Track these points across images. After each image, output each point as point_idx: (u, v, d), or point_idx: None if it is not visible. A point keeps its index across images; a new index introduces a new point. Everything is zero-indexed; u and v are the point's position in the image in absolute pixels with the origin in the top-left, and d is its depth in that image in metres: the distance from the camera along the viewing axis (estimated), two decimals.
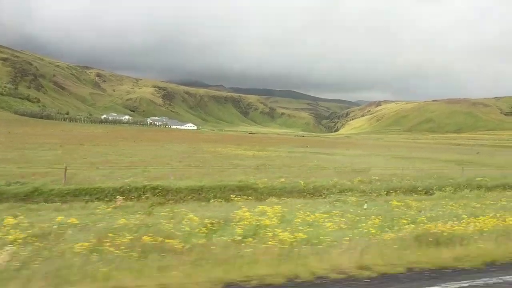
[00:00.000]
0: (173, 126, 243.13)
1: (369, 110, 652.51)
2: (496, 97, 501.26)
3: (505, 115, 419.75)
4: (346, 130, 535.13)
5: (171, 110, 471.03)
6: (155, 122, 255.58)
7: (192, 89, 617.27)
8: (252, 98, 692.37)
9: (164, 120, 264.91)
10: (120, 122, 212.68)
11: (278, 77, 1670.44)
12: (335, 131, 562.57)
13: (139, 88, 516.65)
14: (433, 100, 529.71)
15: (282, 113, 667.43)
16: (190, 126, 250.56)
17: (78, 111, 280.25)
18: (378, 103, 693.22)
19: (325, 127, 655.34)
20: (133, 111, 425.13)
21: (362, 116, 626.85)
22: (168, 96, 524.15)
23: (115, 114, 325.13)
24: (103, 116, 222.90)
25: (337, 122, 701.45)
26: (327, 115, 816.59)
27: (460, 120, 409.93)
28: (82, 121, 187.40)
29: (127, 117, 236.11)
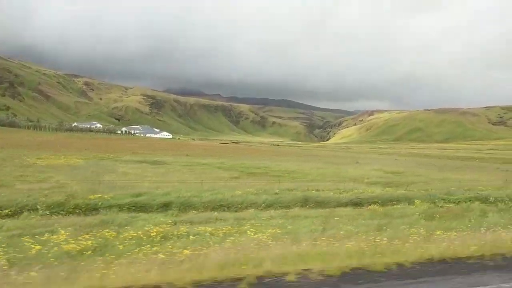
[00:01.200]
0: (148, 135, 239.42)
1: (362, 120, 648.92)
2: (487, 107, 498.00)
3: (493, 124, 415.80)
4: (336, 139, 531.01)
5: (157, 119, 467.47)
6: (131, 131, 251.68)
7: (182, 98, 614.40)
8: (243, 107, 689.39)
9: (140, 128, 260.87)
10: (91, 130, 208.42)
11: (275, 86, 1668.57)
12: (327, 140, 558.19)
13: (127, 97, 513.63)
14: (425, 109, 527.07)
15: (273, 122, 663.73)
16: (165, 134, 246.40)
17: (56, 119, 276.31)
18: (371, 113, 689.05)
19: (316, 137, 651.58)
20: (118, 119, 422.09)
21: (355, 125, 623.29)
22: (156, 104, 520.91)
23: (95, 122, 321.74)
24: (73, 124, 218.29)
25: (330, 131, 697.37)
26: (321, 124, 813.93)
27: (448, 130, 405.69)
28: (47, 129, 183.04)
29: (98, 125, 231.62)
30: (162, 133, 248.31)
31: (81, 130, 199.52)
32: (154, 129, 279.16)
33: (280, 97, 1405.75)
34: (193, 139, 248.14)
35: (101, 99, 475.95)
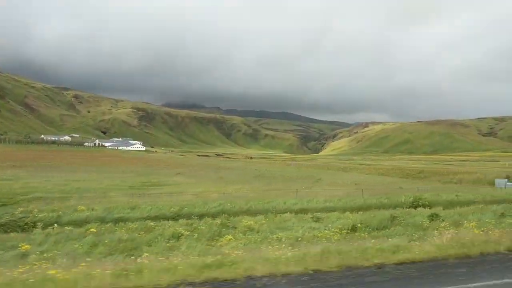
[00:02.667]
0: (120, 147, 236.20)
1: (357, 132, 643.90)
2: (479, 118, 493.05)
3: (483, 135, 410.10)
4: (327, 151, 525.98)
5: (145, 132, 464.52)
6: (104, 143, 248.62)
7: (173, 111, 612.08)
8: (236, 120, 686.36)
9: (114, 141, 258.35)
10: (61, 143, 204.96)
11: (275, 99, 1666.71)
12: (319, 152, 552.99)
13: (117, 110, 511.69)
14: (418, 121, 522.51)
15: (266, 135, 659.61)
16: (137, 147, 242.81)
17: (38, 133, 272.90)
18: (366, 125, 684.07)
19: (310, 149, 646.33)
20: (105, 132, 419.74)
21: (349, 137, 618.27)
22: (146, 117, 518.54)
23: (77, 136, 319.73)
24: (41, 136, 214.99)
25: (324, 143, 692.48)
26: (317, 136, 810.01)
27: (436, 141, 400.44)
28: (7, 142, 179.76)
29: (67, 137, 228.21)
30: (135, 146, 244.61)
31: (46, 142, 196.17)
32: (131, 141, 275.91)
33: (280, 109, 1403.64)
34: (165, 152, 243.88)
35: (89, 112, 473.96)
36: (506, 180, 40.78)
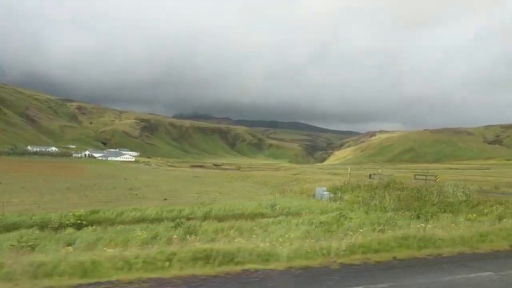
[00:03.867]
0: (109, 158, 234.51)
1: (363, 141, 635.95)
2: (486, 126, 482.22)
3: (488, 143, 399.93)
4: (331, 161, 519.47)
5: (146, 142, 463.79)
6: (93, 154, 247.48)
7: (177, 121, 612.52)
8: (240, 129, 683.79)
9: (105, 152, 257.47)
10: (35, 153, 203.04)
11: (285, 109, 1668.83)
12: (323, 162, 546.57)
13: (120, 121, 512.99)
14: (425, 130, 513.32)
15: (271, 144, 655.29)
16: (127, 157, 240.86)
17: (27, 144, 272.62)
18: (373, 134, 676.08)
19: (316, 158, 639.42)
20: (105, 143, 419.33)
21: (355, 146, 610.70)
22: (149, 128, 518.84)
23: (73, 147, 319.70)
24: (28, 147, 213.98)
25: (331, 153, 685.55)
26: (325, 146, 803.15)
27: (440, 149, 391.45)
28: None
29: (53, 148, 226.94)
30: (124, 156, 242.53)
31: (31, 153, 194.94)
32: (123, 151, 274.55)
33: (291, 119, 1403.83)
34: (159, 163, 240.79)
35: (91, 123, 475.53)
36: (324, 189, 36.09)
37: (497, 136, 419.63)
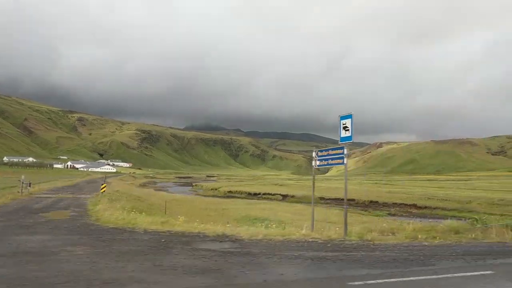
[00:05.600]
0: (90, 169, 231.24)
1: (370, 152, 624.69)
2: (492, 136, 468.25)
3: (492, 154, 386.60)
4: (333, 172, 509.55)
5: (145, 153, 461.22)
6: (74, 165, 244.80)
7: (180, 132, 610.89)
8: (243, 140, 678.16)
9: (87, 163, 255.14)
10: (21, 164, 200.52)
11: (296, 120, 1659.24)
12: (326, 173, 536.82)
13: (120, 132, 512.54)
14: (431, 140, 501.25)
15: (274, 156, 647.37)
16: (107, 168, 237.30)
17: (16, 155, 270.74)
18: (380, 144, 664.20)
19: (319, 169, 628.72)
20: (102, 154, 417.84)
21: (360, 157, 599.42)
22: (149, 139, 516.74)
23: (65, 157, 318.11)
24: (4, 158, 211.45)
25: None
26: None
27: (442, 161, 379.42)
28: None
29: (30, 159, 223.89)
30: (105, 167, 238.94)
31: (5, 164, 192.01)
32: (100, 162, 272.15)
33: (302, 131, 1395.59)
34: (147, 173, 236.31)
35: (90, 134, 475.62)
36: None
37: (502, 146, 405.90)
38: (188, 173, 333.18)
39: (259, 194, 76.31)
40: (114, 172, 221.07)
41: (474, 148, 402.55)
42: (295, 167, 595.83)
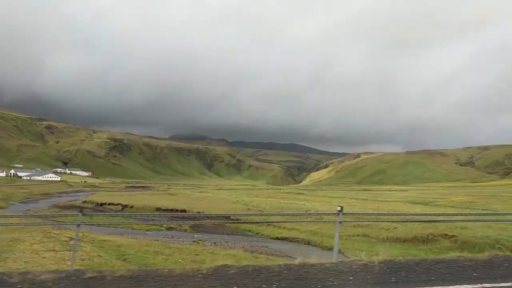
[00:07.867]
0: (33, 177, 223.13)
1: (349, 162, 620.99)
2: (465, 147, 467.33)
3: (460, 165, 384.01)
4: (306, 182, 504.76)
5: (112, 162, 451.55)
6: (17, 173, 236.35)
7: (153, 141, 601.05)
8: (219, 150, 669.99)
9: (33, 171, 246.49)
10: None
11: (282, 131, 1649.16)
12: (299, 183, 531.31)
13: (90, 140, 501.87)
14: (406, 151, 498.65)
15: (250, 166, 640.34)
16: (50, 176, 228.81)
17: None
18: (357, 155, 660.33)
19: (295, 180, 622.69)
20: (66, 163, 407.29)
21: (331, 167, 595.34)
22: (119, 148, 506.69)
23: (20, 166, 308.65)
24: None
25: (308, 174, 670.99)
26: (312, 167, 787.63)
27: (409, 171, 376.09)
28: None
29: None
30: (47, 175, 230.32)
31: None
32: (41, 171, 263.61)
33: (288, 141, 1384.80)
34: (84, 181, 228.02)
35: (57, 142, 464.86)
36: None
37: (471, 157, 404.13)
38: (149, 183, 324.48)
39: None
40: (55, 181, 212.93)
41: (443, 159, 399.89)
42: (270, 177, 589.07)
